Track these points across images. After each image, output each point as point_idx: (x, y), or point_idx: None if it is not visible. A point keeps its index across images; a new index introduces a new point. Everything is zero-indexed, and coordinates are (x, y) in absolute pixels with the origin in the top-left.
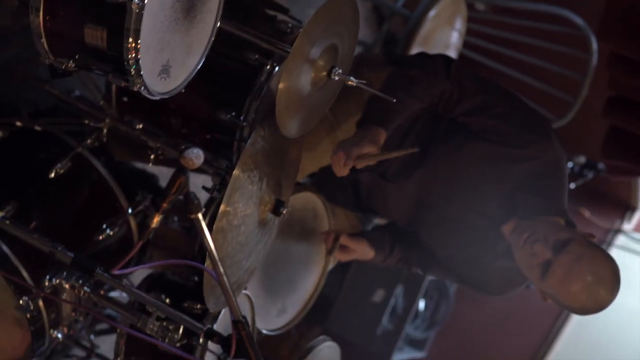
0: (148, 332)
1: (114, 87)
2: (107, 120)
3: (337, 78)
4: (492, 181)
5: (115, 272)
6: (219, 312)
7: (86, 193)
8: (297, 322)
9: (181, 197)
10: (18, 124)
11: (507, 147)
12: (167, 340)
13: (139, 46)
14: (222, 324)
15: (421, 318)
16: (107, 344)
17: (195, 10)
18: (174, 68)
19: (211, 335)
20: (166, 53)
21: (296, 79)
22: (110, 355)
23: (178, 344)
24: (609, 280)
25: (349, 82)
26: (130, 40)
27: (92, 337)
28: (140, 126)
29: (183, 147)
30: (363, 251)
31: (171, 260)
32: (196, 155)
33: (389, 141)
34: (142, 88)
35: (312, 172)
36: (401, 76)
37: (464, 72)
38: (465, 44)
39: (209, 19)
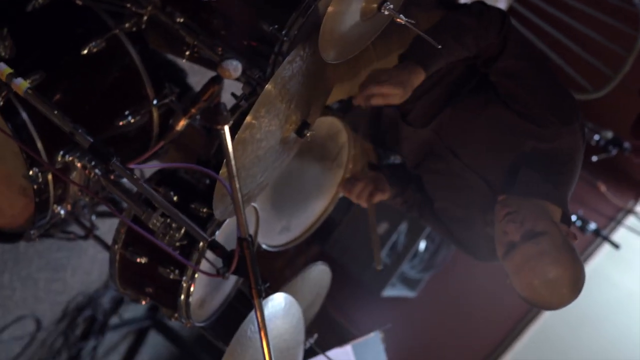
0: (150, 226)
1: None
2: (149, 8)
3: (386, 13)
4: (502, 149)
5: (132, 165)
6: (224, 221)
7: (115, 76)
8: (298, 243)
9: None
10: None
11: (526, 120)
12: (167, 238)
13: None
14: (224, 232)
15: (419, 258)
16: (106, 226)
17: None
18: None
19: (214, 247)
20: None
21: (346, 6)
22: (108, 237)
23: (177, 244)
24: (564, 286)
25: (398, 20)
26: None
27: (93, 217)
28: (181, 20)
29: (222, 56)
30: (384, 191)
31: (189, 165)
32: (234, 67)
33: (419, 85)
34: None
35: (342, 99)
36: (454, 21)
37: (513, 32)
38: None
39: None
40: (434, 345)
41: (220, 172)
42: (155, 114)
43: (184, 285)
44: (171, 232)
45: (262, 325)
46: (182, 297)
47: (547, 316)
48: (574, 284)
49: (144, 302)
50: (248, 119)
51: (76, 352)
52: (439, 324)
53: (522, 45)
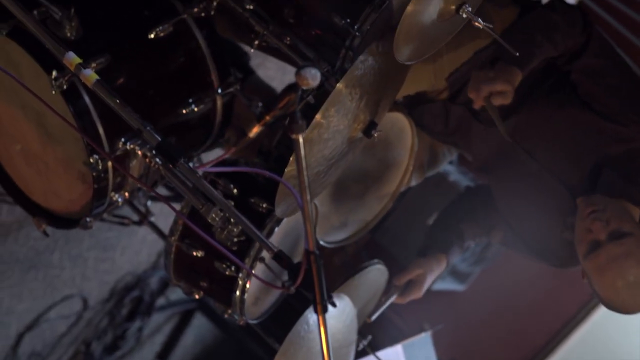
0: (209, 220)
1: None
2: None
3: (465, 15)
4: (582, 151)
5: (200, 169)
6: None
7: (180, 62)
8: (355, 240)
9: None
10: None
11: (607, 121)
12: (225, 233)
13: None
14: (283, 229)
15: (471, 251)
16: (157, 208)
17: None
18: None
19: (280, 258)
20: None
21: (425, 6)
22: (161, 221)
23: (235, 239)
24: None
25: (476, 23)
26: None
27: (148, 202)
28: (251, 7)
29: (301, 64)
30: (431, 276)
31: (259, 170)
32: (313, 76)
33: None
34: None
35: (408, 94)
36: (543, 19)
37: (596, 30)
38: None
39: None
40: (482, 340)
41: (286, 170)
42: (219, 102)
43: (240, 282)
44: (230, 226)
45: (325, 341)
46: (237, 293)
47: (598, 316)
48: None
49: (197, 296)
50: (317, 117)
51: (121, 332)
52: (487, 319)
53: (604, 45)
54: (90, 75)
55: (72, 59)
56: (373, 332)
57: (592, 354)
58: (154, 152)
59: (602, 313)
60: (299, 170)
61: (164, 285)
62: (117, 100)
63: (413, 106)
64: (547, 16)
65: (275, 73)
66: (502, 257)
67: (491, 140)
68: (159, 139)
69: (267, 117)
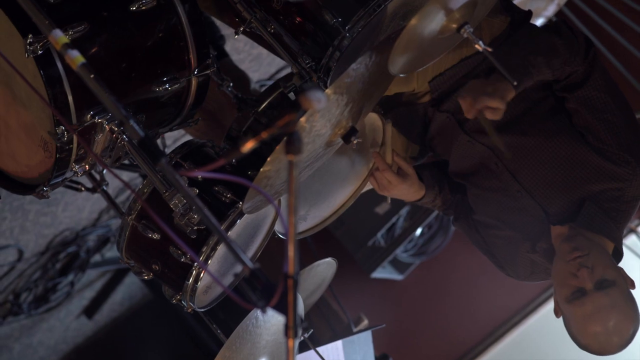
0: (171, 205)
1: None
2: None
3: (465, 35)
4: (570, 183)
5: (186, 174)
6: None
7: (159, 38)
8: (312, 234)
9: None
10: None
11: (600, 157)
12: (185, 219)
13: None
14: (244, 222)
15: (413, 243)
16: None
17: None
18: None
19: (256, 276)
20: None
21: (428, 22)
22: (112, 186)
23: (195, 228)
24: (625, 338)
25: (476, 45)
26: None
27: (104, 171)
28: None
29: (306, 85)
30: (412, 184)
31: (244, 181)
32: (318, 99)
33: None
34: None
35: (386, 94)
36: (545, 42)
37: (599, 63)
38: (568, 3)
39: None
40: (415, 331)
41: (262, 170)
42: (193, 83)
43: (195, 271)
44: (191, 213)
45: None
46: (190, 281)
47: (534, 319)
48: (633, 335)
49: (146, 277)
50: (302, 121)
51: (53, 286)
52: (423, 310)
53: (607, 79)
54: (76, 57)
55: (58, 37)
56: (315, 320)
57: (523, 354)
58: (121, 127)
59: (539, 317)
60: (289, 192)
61: (101, 243)
62: (102, 88)
63: (390, 106)
64: (551, 40)
65: (244, 46)
66: (443, 252)
67: (474, 152)
68: (142, 134)
69: (264, 135)
